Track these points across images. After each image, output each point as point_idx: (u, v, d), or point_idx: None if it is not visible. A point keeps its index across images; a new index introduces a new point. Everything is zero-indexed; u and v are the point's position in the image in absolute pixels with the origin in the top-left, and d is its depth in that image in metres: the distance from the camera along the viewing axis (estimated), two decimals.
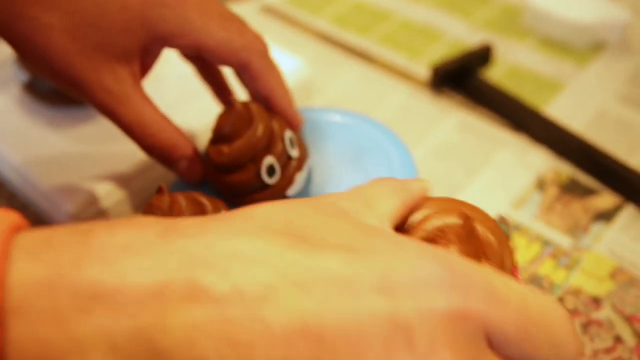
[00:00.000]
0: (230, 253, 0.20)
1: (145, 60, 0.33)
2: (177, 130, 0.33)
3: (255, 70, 0.34)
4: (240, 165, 0.32)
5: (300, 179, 0.33)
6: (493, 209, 0.41)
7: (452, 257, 0.21)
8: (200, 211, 0.28)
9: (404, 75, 0.52)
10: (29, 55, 0.31)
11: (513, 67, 0.52)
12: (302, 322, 0.19)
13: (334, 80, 0.52)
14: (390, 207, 0.25)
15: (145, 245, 0.20)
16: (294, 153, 0.33)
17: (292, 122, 0.35)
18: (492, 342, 0.21)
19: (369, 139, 0.37)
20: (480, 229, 0.24)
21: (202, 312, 0.19)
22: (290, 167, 0.33)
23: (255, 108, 0.32)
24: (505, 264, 0.24)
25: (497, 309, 0.20)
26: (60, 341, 0.18)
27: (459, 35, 0.56)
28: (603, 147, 0.43)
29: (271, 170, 0.32)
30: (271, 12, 0.60)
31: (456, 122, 0.48)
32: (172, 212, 0.28)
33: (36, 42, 0.30)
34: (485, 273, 0.21)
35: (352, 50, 0.55)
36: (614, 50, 0.53)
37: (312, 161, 0.36)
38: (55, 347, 0.18)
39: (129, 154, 0.39)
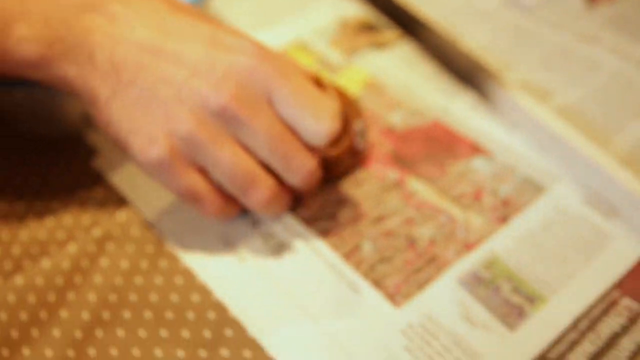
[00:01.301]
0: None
1: None
2: None
3: None
4: None
5: None
6: (297, 32, 0.51)
7: (266, 50, 0.33)
8: None
9: None
10: None
11: None
12: (153, 39, 0.32)
13: None
14: None
15: None
16: None
17: None
18: (272, 102, 0.33)
19: None
20: (329, 86, 0.37)
21: (101, 17, 0.33)
22: None
23: None
24: (348, 118, 0.38)
25: (282, 80, 0.33)
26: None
27: None
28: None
29: None
30: None
31: None
32: None
33: None
34: (286, 64, 0.34)
35: None
36: None
37: None
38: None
39: None
